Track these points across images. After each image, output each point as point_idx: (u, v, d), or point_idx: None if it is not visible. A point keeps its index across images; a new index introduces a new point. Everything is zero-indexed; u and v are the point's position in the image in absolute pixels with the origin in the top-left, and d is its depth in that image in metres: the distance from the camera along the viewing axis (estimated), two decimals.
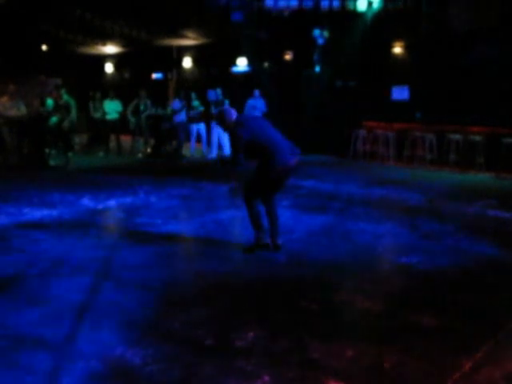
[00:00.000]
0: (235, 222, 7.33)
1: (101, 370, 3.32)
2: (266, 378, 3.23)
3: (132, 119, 14.77)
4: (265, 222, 5.72)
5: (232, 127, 5.54)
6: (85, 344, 3.63)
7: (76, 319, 4.01)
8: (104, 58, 20.84)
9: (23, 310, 4.19)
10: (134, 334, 3.82)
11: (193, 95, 14.68)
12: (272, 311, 4.23)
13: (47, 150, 12.57)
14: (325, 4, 12.98)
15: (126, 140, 15.04)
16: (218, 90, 14.28)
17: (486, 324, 4.02)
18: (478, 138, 11.62)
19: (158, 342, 3.68)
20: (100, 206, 8.04)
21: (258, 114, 14.49)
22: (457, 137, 11.96)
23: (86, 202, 8.28)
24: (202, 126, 14.63)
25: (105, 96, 15.21)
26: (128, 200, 8.53)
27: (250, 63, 16.04)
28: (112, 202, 8.36)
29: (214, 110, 14.01)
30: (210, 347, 3.63)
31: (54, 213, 7.48)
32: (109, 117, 14.81)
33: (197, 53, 17.79)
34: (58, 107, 12.67)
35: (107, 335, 3.77)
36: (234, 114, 5.60)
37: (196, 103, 14.51)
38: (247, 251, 5.67)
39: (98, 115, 14.94)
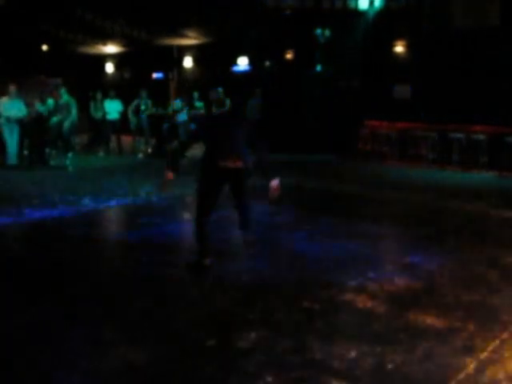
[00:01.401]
0: None
1: (102, 370, 3.29)
2: (268, 379, 3.19)
3: (133, 119, 14.74)
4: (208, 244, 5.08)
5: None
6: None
7: None
8: (104, 57, 20.81)
9: None
10: (135, 334, 3.79)
11: (195, 95, 14.65)
12: (274, 311, 4.19)
13: (48, 150, 12.53)
14: (326, 3, 12.94)
15: (126, 140, 15.01)
16: (219, 90, 14.22)
17: (490, 324, 3.98)
18: (481, 137, 11.56)
19: (160, 343, 3.65)
20: (101, 206, 8.01)
21: (256, 114, 14.45)
22: (459, 136, 11.90)
23: (87, 202, 8.24)
24: None
25: (105, 96, 15.18)
26: (129, 200, 8.50)
27: (251, 62, 16.00)
28: (113, 203, 8.33)
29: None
30: (211, 347, 3.59)
31: (54, 213, 7.44)
32: (109, 117, 14.78)
33: (197, 52, 17.76)
34: (58, 107, 12.64)
35: (108, 335, 3.74)
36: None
37: (199, 104, 14.48)
38: (188, 267, 5.16)
39: (98, 115, 14.91)
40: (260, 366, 3.33)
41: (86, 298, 4.43)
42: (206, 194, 4.96)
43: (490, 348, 3.59)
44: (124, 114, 14.89)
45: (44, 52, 19.13)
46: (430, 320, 4.03)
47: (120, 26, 16.10)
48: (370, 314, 4.16)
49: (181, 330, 3.86)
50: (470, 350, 3.55)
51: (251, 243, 5.46)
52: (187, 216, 7.93)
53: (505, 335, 3.79)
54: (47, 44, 18.87)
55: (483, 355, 3.49)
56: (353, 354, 3.51)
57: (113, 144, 14.79)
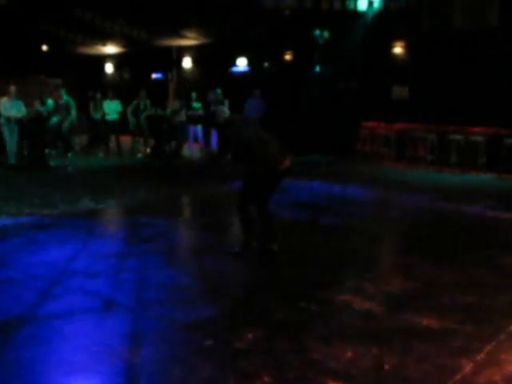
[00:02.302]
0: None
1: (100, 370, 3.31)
2: (266, 379, 3.21)
3: (132, 119, 14.76)
4: (255, 227, 5.61)
5: (221, 125, 5.55)
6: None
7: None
8: (104, 58, 20.82)
9: None
10: (133, 334, 3.80)
11: (193, 95, 14.68)
12: (272, 311, 4.21)
13: (47, 151, 12.56)
14: (325, 4, 12.95)
15: (125, 140, 15.02)
16: (218, 90, 14.27)
17: (486, 325, 4.00)
18: (479, 138, 11.57)
19: (158, 343, 3.67)
20: (100, 206, 8.04)
21: (256, 114, 14.48)
22: (458, 137, 11.92)
23: (86, 202, 8.26)
24: (199, 128, 14.64)
25: (105, 96, 15.19)
26: (127, 200, 8.52)
27: (250, 63, 16.03)
28: (112, 202, 8.35)
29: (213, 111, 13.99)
30: (209, 347, 3.61)
31: (53, 213, 7.46)
32: (108, 117, 14.79)
33: (197, 53, 17.77)
34: (58, 108, 12.67)
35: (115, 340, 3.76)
36: (225, 112, 5.60)
37: (197, 105, 14.50)
38: (232, 253, 5.61)
39: (97, 116, 14.92)
40: (258, 367, 3.35)
41: None
42: (258, 191, 5.50)
43: (487, 349, 3.60)
44: (123, 115, 14.90)
45: (44, 52, 19.15)
46: (427, 321, 4.05)
47: (120, 27, 16.13)
48: (367, 315, 4.18)
49: (178, 330, 3.88)
50: (466, 352, 3.57)
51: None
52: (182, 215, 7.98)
53: (502, 337, 3.80)
54: (47, 44, 18.89)
55: (480, 357, 3.50)
56: (350, 354, 3.53)
57: (112, 144, 14.81)
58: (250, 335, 3.77)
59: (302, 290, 4.68)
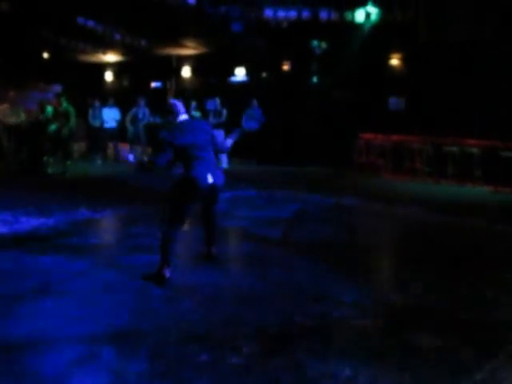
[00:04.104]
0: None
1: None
2: None
3: (130, 128, 14.80)
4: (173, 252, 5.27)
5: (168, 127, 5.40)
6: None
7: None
8: (104, 66, 20.88)
9: None
10: (125, 348, 3.80)
11: (193, 105, 14.74)
12: (268, 326, 4.19)
13: (45, 158, 12.61)
14: (323, 15, 13.05)
15: (123, 148, 15.05)
16: (217, 100, 14.35)
17: (486, 343, 3.94)
18: (475, 150, 11.58)
19: (150, 357, 3.66)
20: (97, 216, 8.07)
21: (254, 124, 14.57)
22: (454, 149, 11.91)
23: (83, 210, 8.30)
24: None
25: (104, 104, 15.25)
26: (124, 210, 8.56)
27: (249, 73, 16.10)
28: (109, 211, 8.39)
29: (212, 120, 14.08)
30: (204, 363, 3.60)
31: (50, 222, 7.50)
32: (107, 125, 14.84)
33: (196, 62, 17.84)
34: (57, 115, 12.73)
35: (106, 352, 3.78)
36: (181, 112, 5.42)
37: (196, 114, 14.56)
38: (145, 279, 5.19)
39: (96, 123, 14.97)
40: None
41: None
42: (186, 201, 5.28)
43: (487, 369, 3.54)
44: (122, 123, 14.95)
45: (45, 59, 19.22)
46: (426, 338, 4.00)
47: (120, 35, 16.22)
48: (364, 331, 4.15)
49: (172, 344, 3.86)
50: (466, 371, 3.51)
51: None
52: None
53: (502, 356, 3.74)
54: (48, 51, 18.96)
55: (480, 376, 3.45)
56: (346, 372, 3.49)
57: (110, 152, 14.85)
58: (245, 350, 3.75)
59: (299, 304, 4.65)
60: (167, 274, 5.14)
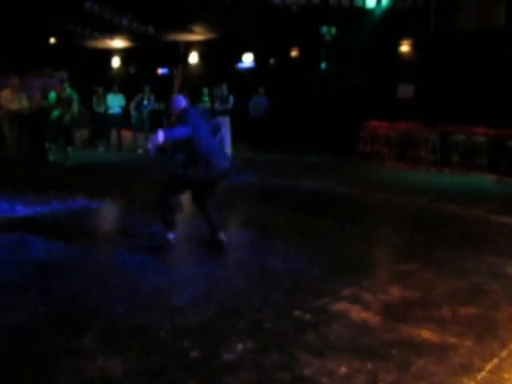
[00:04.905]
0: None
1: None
2: None
3: (134, 114, 14.62)
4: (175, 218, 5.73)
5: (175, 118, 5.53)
6: None
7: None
8: (111, 52, 20.72)
9: None
10: (114, 343, 3.63)
11: (204, 91, 14.52)
12: (263, 321, 4.02)
13: (47, 145, 12.44)
14: (333, 0, 12.78)
15: (126, 135, 14.88)
16: (224, 86, 14.13)
17: (488, 340, 3.79)
18: (481, 139, 11.39)
19: (141, 353, 3.49)
20: (95, 205, 7.89)
21: (261, 112, 14.36)
22: (460, 138, 11.74)
23: (80, 199, 8.11)
24: None
25: (109, 90, 15.08)
26: (123, 198, 8.38)
27: (256, 59, 15.87)
28: (107, 200, 8.21)
29: (219, 107, 13.86)
30: (195, 359, 3.43)
31: (46, 209, 7.33)
32: (111, 111, 14.68)
33: (203, 48, 17.63)
34: (60, 101, 12.55)
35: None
36: (182, 103, 5.59)
37: (206, 99, 14.37)
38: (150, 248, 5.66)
39: (100, 109, 14.81)
40: (246, 382, 3.17)
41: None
42: (192, 189, 5.76)
43: (489, 367, 3.40)
44: (126, 109, 14.80)
45: (51, 45, 19.08)
46: (426, 334, 3.85)
47: (128, 21, 16.06)
48: (362, 327, 3.99)
49: (163, 340, 3.69)
50: (466, 369, 3.37)
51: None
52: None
53: (504, 353, 3.60)
54: (55, 37, 18.82)
55: (481, 375, 3.31)
56: (344, 370, 3.33)
57: (113, 139, 14.69)
58: (239, 346, 3.58)
59: (297, 298, 4.47)
60: (170, 236, 5.69)
